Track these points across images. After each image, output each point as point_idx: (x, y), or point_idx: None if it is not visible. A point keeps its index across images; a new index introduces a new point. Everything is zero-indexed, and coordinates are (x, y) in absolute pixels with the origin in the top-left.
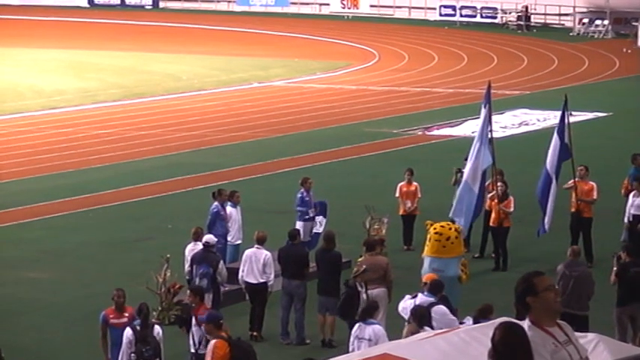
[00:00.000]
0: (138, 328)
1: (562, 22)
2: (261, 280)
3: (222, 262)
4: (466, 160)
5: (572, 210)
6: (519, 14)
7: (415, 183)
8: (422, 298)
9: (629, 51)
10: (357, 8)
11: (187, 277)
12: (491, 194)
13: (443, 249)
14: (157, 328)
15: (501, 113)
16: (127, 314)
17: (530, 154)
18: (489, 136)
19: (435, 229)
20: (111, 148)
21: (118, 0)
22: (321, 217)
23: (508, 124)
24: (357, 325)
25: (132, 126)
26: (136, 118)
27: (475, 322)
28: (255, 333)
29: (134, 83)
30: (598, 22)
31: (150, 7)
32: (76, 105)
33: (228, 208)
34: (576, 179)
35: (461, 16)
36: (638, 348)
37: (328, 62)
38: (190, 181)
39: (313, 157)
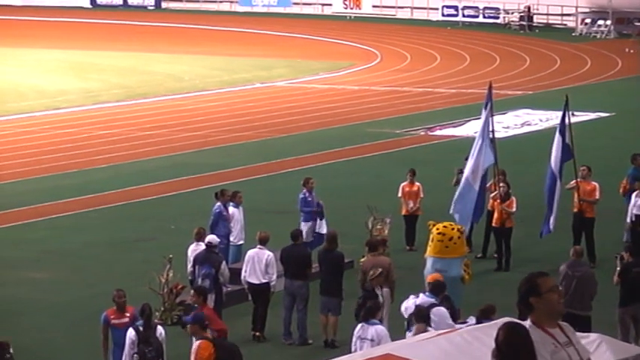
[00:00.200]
0: (140, 328)
1: (564, 23)
2: (264, 281)
3: (224, 262)
4: (467, 159)
5: (575, 210)
6: (522, 14)
7: (418, 183)
8: (422, 299)
9: (632, 51)
10: (360, 8)
11: (190, 278)
12: (493, 194)
13: (446, 249)
14: (160, 329)
15: (504, 113)
16: (128, 314)
17: (533, 154)
18: (491, 136)
19: (437, 229)
20: (114, 149)
21: (120, 0)
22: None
23: (510, 124)
24: (359, 326)
25: (135, 126)
26: (140, 118)
27: (477, 322)
28: (257, 333)
29: (137, 84)
30: (600, 22)
31: (152, 7)
32: (79, 105)
33: (231, 209)
34: (578, 179)
35: (463, 16)
36: None
37: (331, 62)
38: (194, 181)
39: (316, 158)
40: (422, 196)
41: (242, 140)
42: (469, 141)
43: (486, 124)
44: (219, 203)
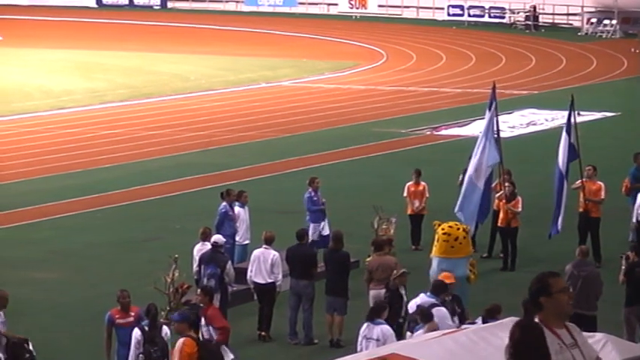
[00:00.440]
0: (146, 328)
1: (570, 22)
2: (270, 280)
3: (230, 262)
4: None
5: (580, 210)
6: (527, 14)
7: (423, 183)
8: (423, 299)
9: (637, 51)
10: (365, 8)
11: (195, 277)
12: (499, 194)
13: (451, 249)
14: (165, 329)
15: (509, 113)
16: (132, 314)
17: (538, 154)
18: (495, 135)
19: (443, 229)
20: (119, 149)
21: (126, 0)
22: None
23: (516, 123)
24: (365, 325)
25: (140, 126)
26: (144, 118)
27: (483, 322)
28: (263, 333)
29: (142, 83)
30: (606, 21)
31: (158, 7)
32: (84, 105)
33: (236, 208)
34: (584, 179)
35: (469, 15)
36: None
37: (336, 62)
38: (198, 181)
39: (321, 157)
40: (427, 195)
41: (246, 140)
42: (474, 141)
43: (490, 123)
44: (224, 203)
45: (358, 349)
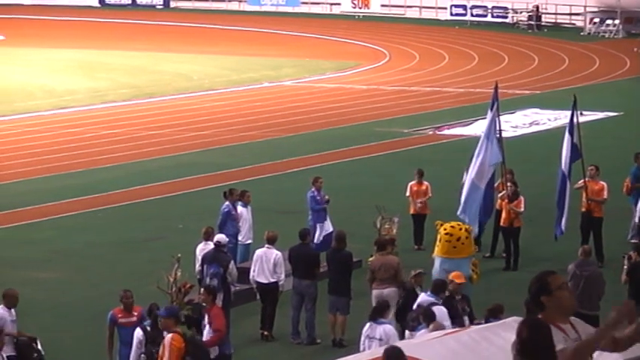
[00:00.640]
0: (148, 328)
1: (573, 22)
2: (272, 280)
3: (232, 261)
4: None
5: (583, 210)
6: (530, 14)
7: (426, 182)
8: (422, 298)
9: None
10: (368, 8)
11: (198, 277)
12: (501, 194)
13: (453, 249)
14: None
15: (512, 113)
16: (135, 313)
17: (541, 153)
18: (497, 135)
19: (445, 229)
20: (120, 148)
21: (129, 0)
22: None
23: (519, 123)
24: (367, 325)
25: (141, 126)
26: (146, 118)
27: (486, 322)
28: (266, 332)
29: (145, 83)
30: (609, 21)
31: (161, 6)
32: (87, 105)
33: (239, 208)
34: (586, 179)
35: (472, 15)
36: None
37: (339, 62)
38: (199, 181)
39: (323, 157)
40: (430, 195)
41: (248, 140)
42: (477, 140)
43: (492, 123)
44: (227, 202)
45: (361, 348)
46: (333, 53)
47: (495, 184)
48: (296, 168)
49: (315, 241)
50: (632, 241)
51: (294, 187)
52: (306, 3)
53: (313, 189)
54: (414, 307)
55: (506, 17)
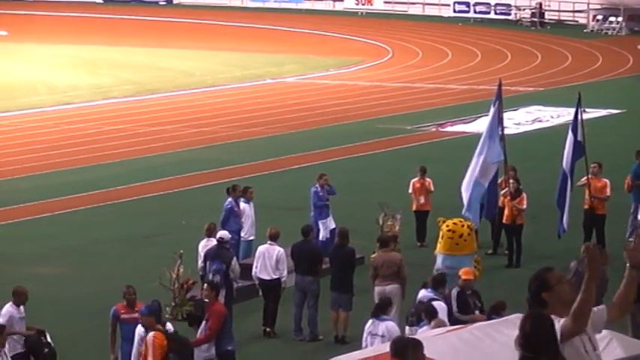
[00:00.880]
0: None
1: (576, 19)
2: (275, 277)
3: (235, 258)
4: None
5: (586, 207)
6: (533, 11)
7: (429, 179)
8: (422, 294)
9: None
10: (371, 4)
11: (201, 273)
12: (503, 191)
13: (456, 246)
14: (169, 325)
15: (515, 110)
16: (137, 310)
17: (544, 150)
18: (500, 132)
19: (447, 226)
20: (123, 145)
21: None
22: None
23: (522, 120)
24: (370, 322)
25: (144, 122)
26: (148, 114)
27: (488, 319)
28: (268, 329)
29: (148, 79)
30: (612, 18)
31: (164, 3)
32: (89, 101)
33: (242, 204)
34: (589, 176)
35: (475, 12)
36: None
37: (342, 58)
38: (202, 177)
39: (326, 154)
40: (432, 190)
41: (251, 136)
42: (480, 137)
43: (494, 121)
44: (230, 199)
45: (363, 345)
46: (336, 50)
47: (498, 181)
48: (298, 164)
49: (321, 238)
50: (630, 239)
51: (297, 184)
52: None
53: (317, 185)
54: (419, 303)
55: (509, 14)
